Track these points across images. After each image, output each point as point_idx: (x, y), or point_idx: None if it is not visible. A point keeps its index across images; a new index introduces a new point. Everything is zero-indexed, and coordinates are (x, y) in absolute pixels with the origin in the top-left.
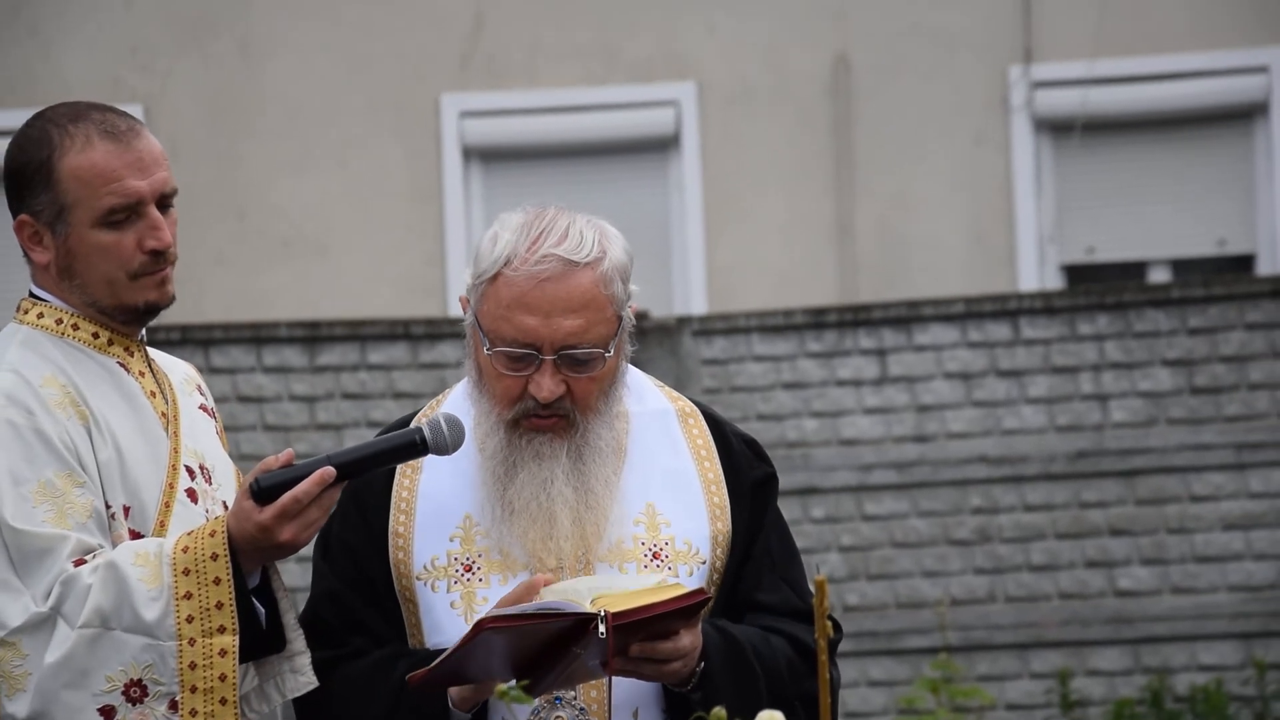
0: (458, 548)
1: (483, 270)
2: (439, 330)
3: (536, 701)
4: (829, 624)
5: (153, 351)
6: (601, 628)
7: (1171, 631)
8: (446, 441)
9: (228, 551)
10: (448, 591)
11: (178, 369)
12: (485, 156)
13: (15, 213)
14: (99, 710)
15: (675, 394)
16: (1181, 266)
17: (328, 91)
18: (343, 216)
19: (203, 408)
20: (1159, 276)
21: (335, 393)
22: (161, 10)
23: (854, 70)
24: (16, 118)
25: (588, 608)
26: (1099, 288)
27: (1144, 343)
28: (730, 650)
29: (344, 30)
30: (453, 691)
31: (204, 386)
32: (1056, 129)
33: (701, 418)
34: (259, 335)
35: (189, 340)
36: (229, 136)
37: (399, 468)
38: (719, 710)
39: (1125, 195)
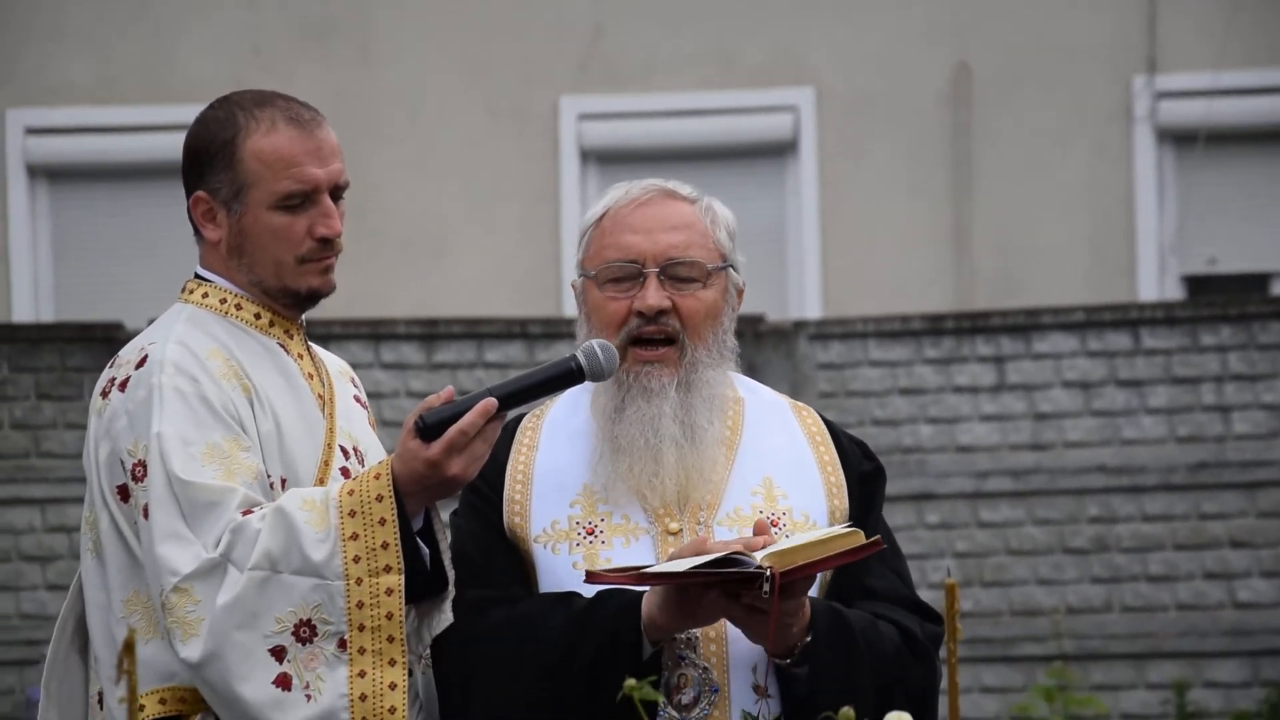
0: (579, 513)
1: (587, 224)
2: (555, 330)
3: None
4: (939, 627)
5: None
6: (765, 588)
7: None
8: (602, 366)
9: (392, 492)
10: (569, 553)
11: (333, 360)
12: (602, 159)
13: (191, 189)
14: (270, 651)
15: (784, 395)
16: None
17: (447, 94)
18: (461, 217)
19: (356, 399)
20: None
21: None
22: (284, 12)
23: (975, 79)
24: (141, 114)
25: (758, 560)
26: (1222, 299)
27: (1267, 354)
28: (838, 627)
29: (464, 34)
30: (645, 612)
31: (357, 380)
32: (1179, 140)
33: (814, 412)
34: (377, 332)
35: (308, 336)
36: (349, 138)
37: (514, 444)
38: (847, 710)
39: (1247, 206)
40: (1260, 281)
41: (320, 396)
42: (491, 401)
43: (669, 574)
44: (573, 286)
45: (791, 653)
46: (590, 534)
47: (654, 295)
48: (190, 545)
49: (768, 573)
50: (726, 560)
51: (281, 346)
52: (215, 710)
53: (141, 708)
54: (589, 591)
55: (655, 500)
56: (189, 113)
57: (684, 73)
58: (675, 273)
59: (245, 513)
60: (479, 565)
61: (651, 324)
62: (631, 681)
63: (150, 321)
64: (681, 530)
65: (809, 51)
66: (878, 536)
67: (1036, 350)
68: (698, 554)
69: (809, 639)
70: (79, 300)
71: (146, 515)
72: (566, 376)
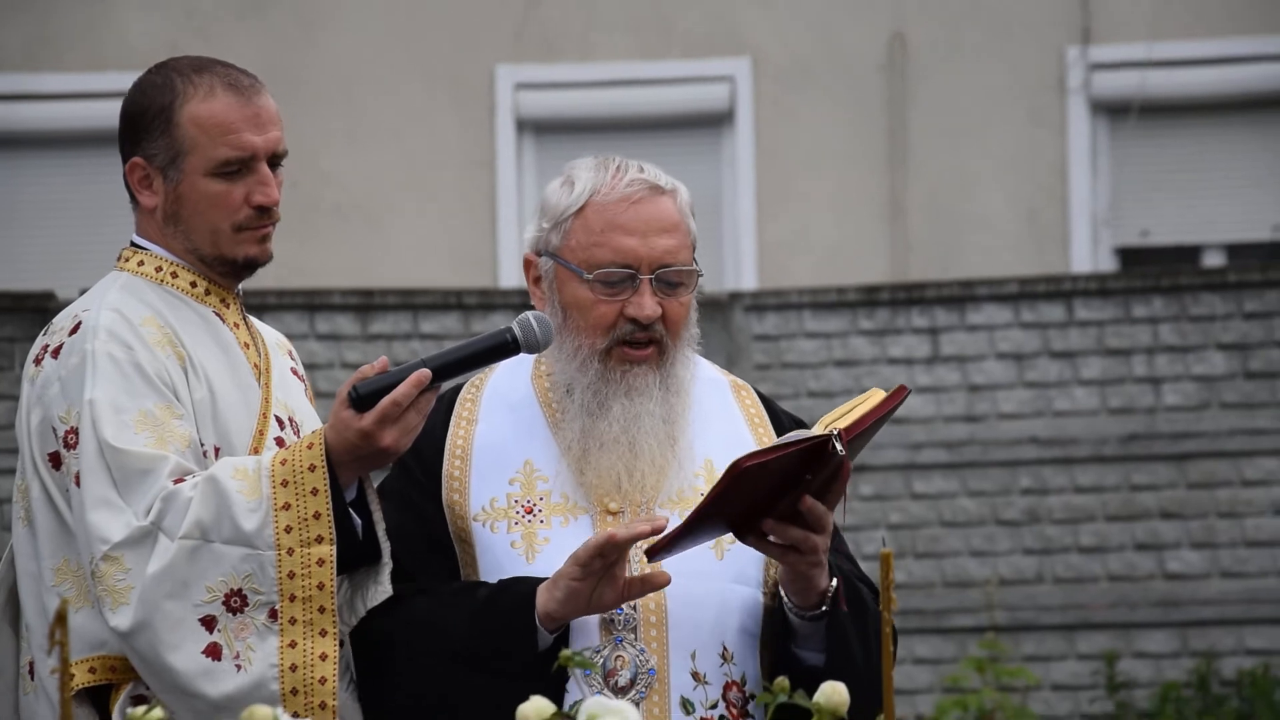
0: (518, 490)
1: (564, 209)
2: (491, 301)
3: (597, 640)
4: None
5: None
6: (839, 445)
7: (1220, 615)
8: (537, 338)
9: (325, 463)
10: (507, 532)
11: (270, 333)
12: (539, 129)
13: (128, 156)
14: (200, 620)
15: (724, 371)
16: (1235, 251)
17: (382, 62)
18: (396, 187)
19: (293, 371)
20: (1212, 261)
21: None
22: None
23: (910, 48)
24: (76, 80)
25: (817, 432)
26: (1155, 270)
27: (1199, 326)
28: (850, 584)
29: (400, 2)
30: (540, 606)
31: (294, 353)
32: (1113, 111)
33: (752, 390)
34: (312, 303)
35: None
36: (283, 105)
37: (454, 418)
38: (781, 680)
39: (1180, 179)
40: (1192, 253)
41: (256, 366)
42: (425, 372)
43: (761, 451)
44: (528, 260)
45: (823, 600)
46: (529, 513)
47: (650, 304)
48: (121, 513)
49: (836, 433)
50: (785, 446)
51: (217, 315)
52: (145, 679)
53: (71, 677)
54: (552, 570)
55: (636, 494)
56: (123, 80)
57: (620, 42)
58: (667, 278)
59: (177, 481)
60: (397, 558)
61: (643, 330)
62: (566, 652)
63: (83, 291)
64: (622, 511)
65: (745, 21)
66: (902, 384)
67: (971, 322)
68: (604, 546)
69: (834, 583)
70: (10, 270)
71: (78, 482)
72: (502, 348)
